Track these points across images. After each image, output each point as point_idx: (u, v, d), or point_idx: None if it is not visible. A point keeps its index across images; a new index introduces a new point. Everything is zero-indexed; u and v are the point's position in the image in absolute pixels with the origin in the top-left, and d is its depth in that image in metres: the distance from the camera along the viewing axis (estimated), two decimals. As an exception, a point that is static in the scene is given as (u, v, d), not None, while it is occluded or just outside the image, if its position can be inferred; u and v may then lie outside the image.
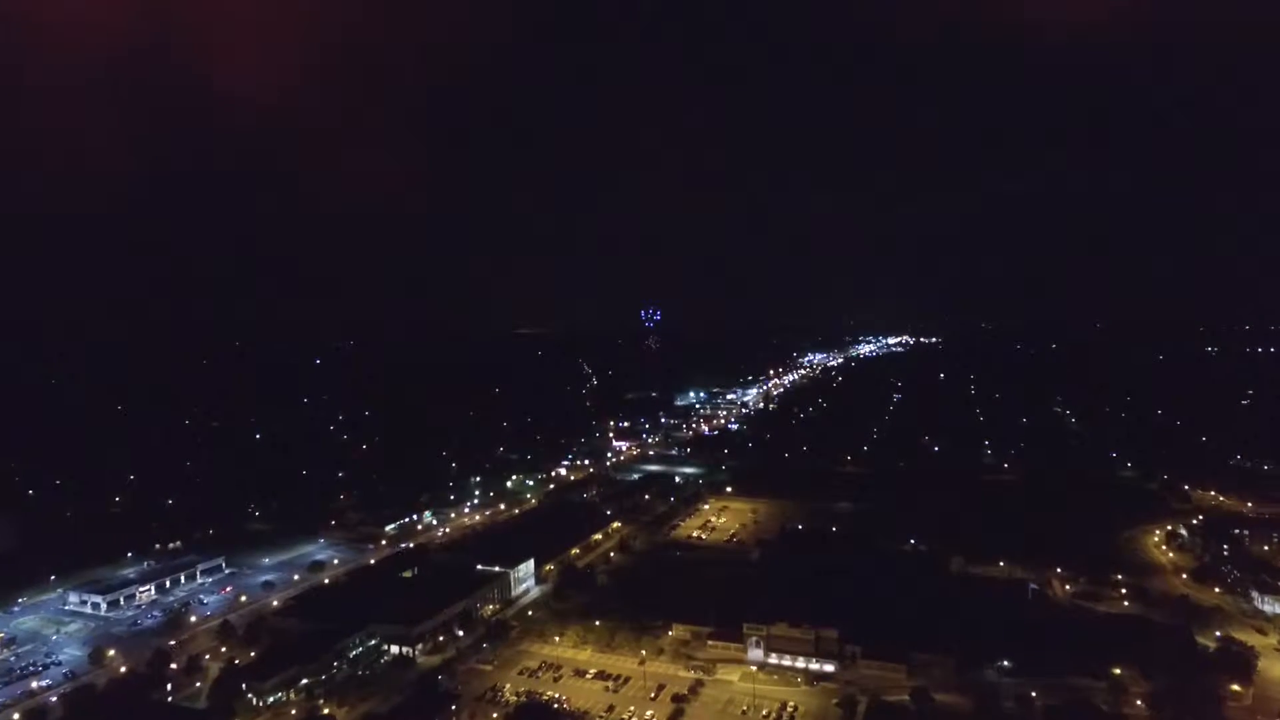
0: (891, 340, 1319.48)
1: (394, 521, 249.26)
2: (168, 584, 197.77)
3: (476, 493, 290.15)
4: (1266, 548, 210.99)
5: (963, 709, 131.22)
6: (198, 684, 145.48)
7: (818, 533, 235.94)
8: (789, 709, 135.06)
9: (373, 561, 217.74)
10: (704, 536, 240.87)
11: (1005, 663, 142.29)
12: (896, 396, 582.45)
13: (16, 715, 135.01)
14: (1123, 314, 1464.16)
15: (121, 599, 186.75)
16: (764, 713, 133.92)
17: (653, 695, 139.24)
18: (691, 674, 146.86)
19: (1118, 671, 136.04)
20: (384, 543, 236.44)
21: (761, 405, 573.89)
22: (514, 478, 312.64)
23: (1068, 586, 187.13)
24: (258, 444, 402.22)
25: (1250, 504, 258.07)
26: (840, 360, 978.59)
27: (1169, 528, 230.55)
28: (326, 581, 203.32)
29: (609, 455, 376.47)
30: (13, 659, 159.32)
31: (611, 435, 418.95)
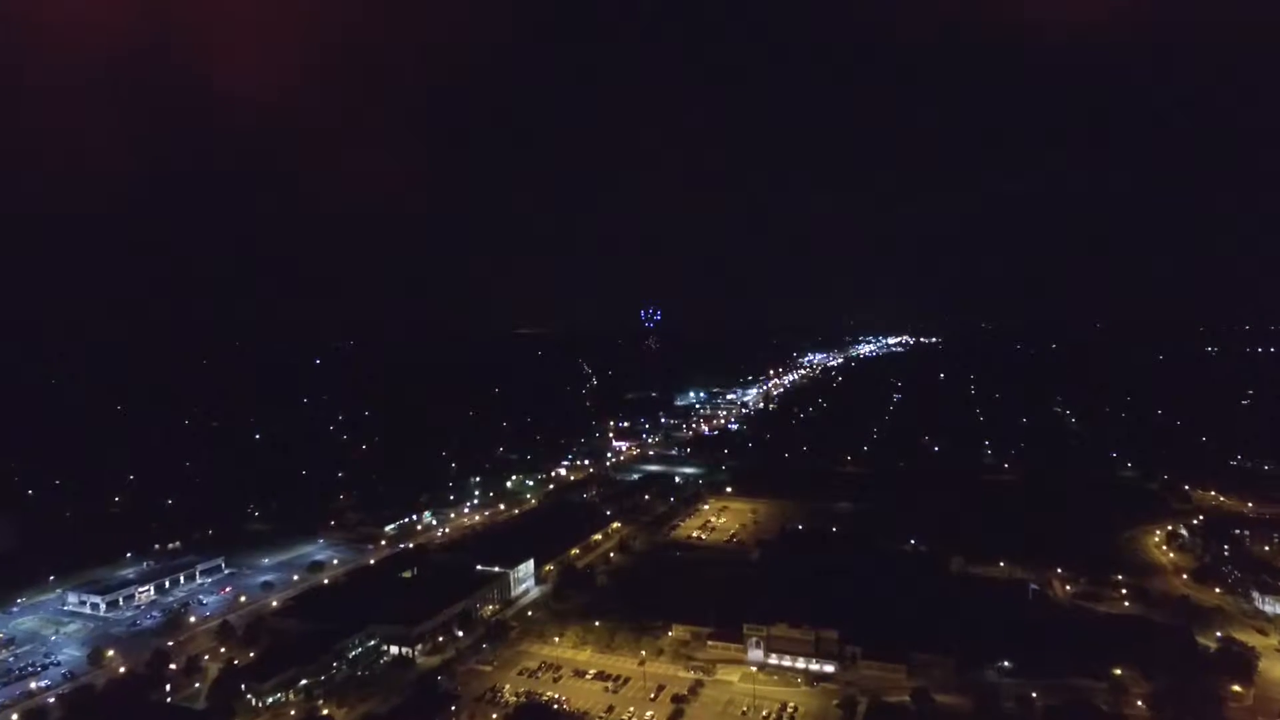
0: (891, 340, 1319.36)
1: (393, 522, 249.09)
2: (167, 584, 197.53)
3: (476, 493, 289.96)
4: (1267, 548, 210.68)
5: (963, 710, 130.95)
6: (197, 684, 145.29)
7: (818, 533, 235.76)
8: (789, 710, 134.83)
9: (372, 562, 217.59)
10: (704, 537, 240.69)
11: (1006, 663, 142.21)
12: (896, 396, 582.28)
13: (15, 716, 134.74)
14: (1123, 314, 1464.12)
15: (120, 599, 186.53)
16: (764, 714, 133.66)
17: (652, 696, 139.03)
18: (691, 674, 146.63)
19: (1118, 672, 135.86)
20: (383, 543, 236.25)
21: (761, 405, 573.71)
22: (514, 478, 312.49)
23: (1068, 587, 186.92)
24: (257, 444, 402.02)
25: (1251, 504, 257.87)
26: (840, 360, 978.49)
27: (1169, 528, 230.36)
28: (326, 582, 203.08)
29: (609, 455, 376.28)
30: (11, 659, 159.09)
31: (611, 435, 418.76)
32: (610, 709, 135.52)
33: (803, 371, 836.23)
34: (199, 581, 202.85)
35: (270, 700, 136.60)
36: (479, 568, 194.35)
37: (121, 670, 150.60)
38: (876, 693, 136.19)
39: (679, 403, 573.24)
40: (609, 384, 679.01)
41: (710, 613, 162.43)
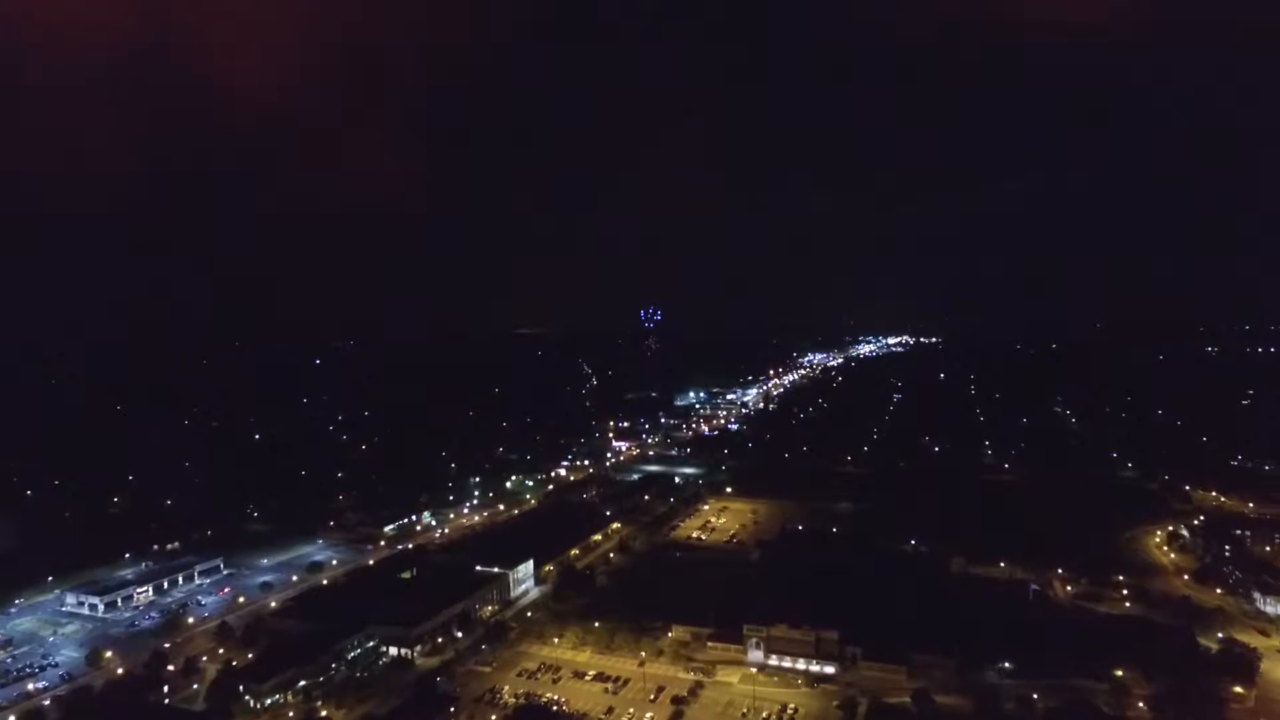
0: (891, 340, 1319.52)
1: (393, 522, 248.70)
2: (165, 585, 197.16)
3: (476, 493, 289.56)
4: (1268, 548, 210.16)
5: (964, 711, 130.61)
6: (195, 686, 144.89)
7: (818, 533, 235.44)
8: (789, 711, 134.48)
9: (371, 562, 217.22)
10: (704, 537, 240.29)
11: (1006, 664, 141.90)
12: (896, 396, 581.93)
13: (13, 717, 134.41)
14: (1123, 314, 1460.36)
15: (119, 600, 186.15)
16: (764, 715, 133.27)
17: (652, 697, 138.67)
18: (691, 676, 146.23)
19: (1119, 673, 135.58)
20: (383, 543, 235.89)
21: (761, 405, 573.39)
22: (513, 478, 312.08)
23: (1069, 587, 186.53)
24: (257, 444, 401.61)
25: (1252, 504, 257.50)
26: (840, 360, 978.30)
27: (1170, 528, 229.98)
28: (325, 582, 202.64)
29: (609, 455, 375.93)
30: (9, 661, 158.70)
31: (611, 435, 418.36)
32: (610, 710, 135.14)
33: (803, 371, 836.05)
34: (198, 582, 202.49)
35: (269, 701, 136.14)
36: (478, 568, 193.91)
37: (119, 671, 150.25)
38: (877, 694, 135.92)
39: (679, 403, 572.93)
40: (609, 384, 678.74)
41: (710, 613, 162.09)
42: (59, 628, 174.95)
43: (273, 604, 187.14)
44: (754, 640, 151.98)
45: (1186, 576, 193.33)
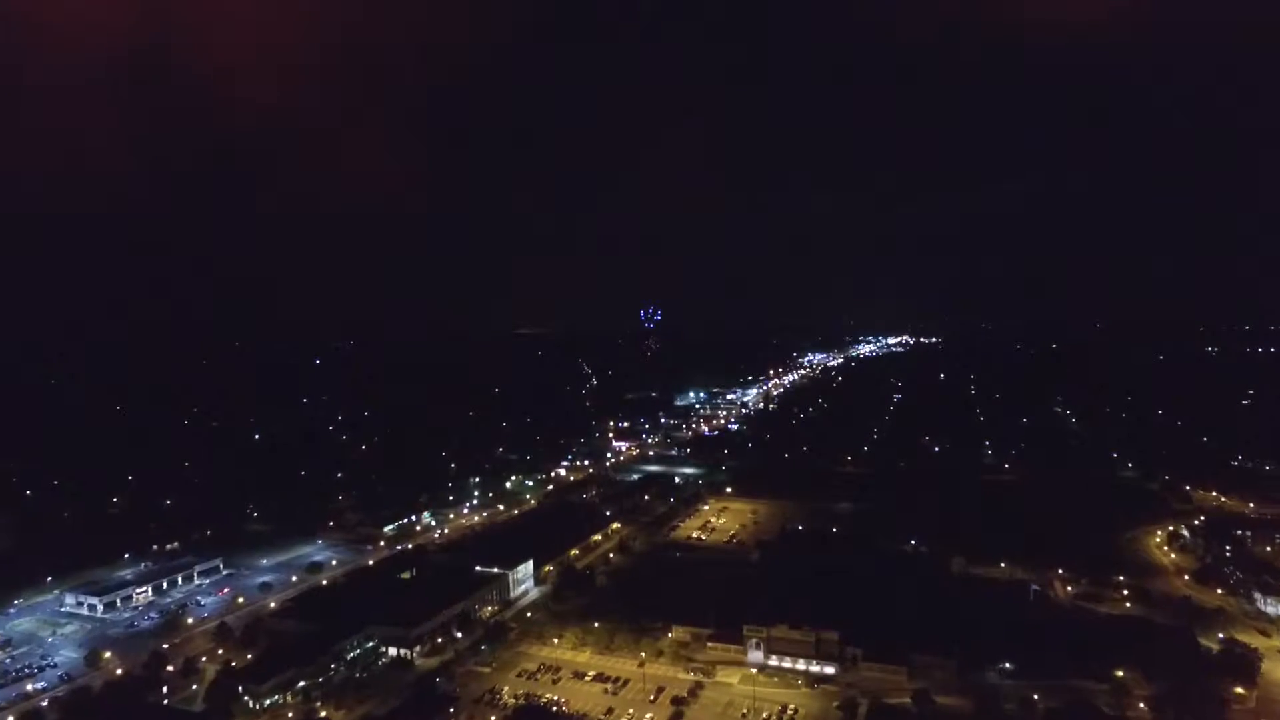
0: (891, 340, 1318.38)
1: (393, 522, 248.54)
2: (165, 585, 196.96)
3: (475, 493, 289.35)
4: (1269, 549, 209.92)
5: (964, 711, 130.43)
6: (194, 686, 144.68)
7: (818, 533, 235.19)
8: (789, 712, 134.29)
9: (371, 562, 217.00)
10: (704, 537, 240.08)
11: (1007, 664, 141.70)
12: (896, 396, 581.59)
13: (12, 718, 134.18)
14: (1123, 314, 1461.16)
15: (118, 600, 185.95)
16: (764, 715, 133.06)
17: (652, 698, 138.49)
18: (691, 676, 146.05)
19: (1120, 673, 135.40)
20: (382, 544, 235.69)
21: (761, 405, 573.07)
22: (513, 478, 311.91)
23: (1069, 587, 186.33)
24: (257, 444, 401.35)
25: (1252, 505, 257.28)
26: (840, 360, 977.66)
27: (1170, 528, 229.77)
28: (324, 583, 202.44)
29: (609, 456, 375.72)
30: (8, 661, 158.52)
31: (611, 435, 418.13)
32: (610, 711, 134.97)
33: (803, 371, 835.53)
34: (197, 583, 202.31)
35: (268, 702, 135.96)
36: (478, 569, 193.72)
37: (118, 672, 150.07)
38: (877, 694, 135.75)
39: (679, 403, 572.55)
40: (609, 384, 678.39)
41: (710, 614, 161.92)
42: (58, 628, 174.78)
43: (272, 604, 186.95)
44: (754, 641, 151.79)
45: (1187, 577, 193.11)
